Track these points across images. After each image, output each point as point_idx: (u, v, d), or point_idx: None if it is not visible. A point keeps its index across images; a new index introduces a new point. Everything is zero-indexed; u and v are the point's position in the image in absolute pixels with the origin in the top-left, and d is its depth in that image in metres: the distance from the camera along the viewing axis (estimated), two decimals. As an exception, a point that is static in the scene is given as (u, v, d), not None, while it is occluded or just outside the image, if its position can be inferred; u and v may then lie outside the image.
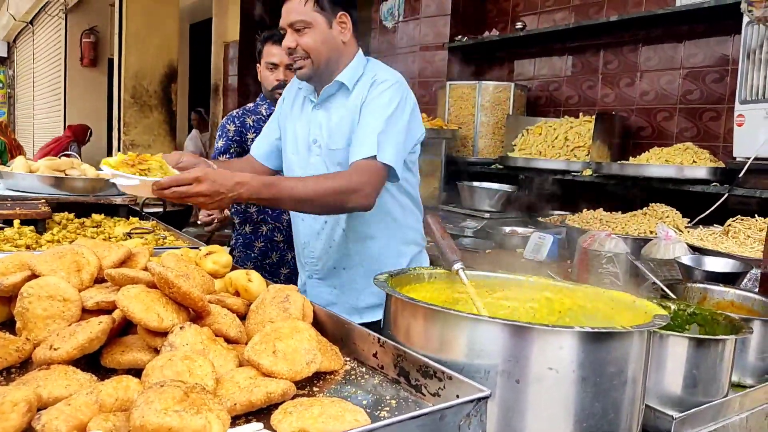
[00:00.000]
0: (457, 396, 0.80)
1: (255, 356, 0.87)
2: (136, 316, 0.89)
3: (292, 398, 0.83)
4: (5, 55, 15.15)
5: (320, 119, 1.76)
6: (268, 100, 2.57)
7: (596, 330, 0.83)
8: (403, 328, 0.97)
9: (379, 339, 0.97)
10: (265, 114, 2.55)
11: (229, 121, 2.54)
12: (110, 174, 1.38)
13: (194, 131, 8.14)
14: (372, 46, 4.38)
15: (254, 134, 2.48)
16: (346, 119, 1.70)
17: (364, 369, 0.98)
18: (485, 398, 0.76)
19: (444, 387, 0.84)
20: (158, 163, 1.47)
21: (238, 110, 2.62)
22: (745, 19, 2.23)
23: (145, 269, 1.09)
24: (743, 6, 1.39)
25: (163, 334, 0.92)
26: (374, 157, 1.57)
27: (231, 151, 2.48)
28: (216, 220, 2.48)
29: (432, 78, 3.90)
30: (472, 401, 0.75)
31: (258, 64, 2.56)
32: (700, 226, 2.30)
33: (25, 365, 0.93)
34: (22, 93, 14.04)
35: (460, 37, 3.73)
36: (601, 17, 3.11)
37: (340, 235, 1.77)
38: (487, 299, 1.24)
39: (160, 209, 3.69)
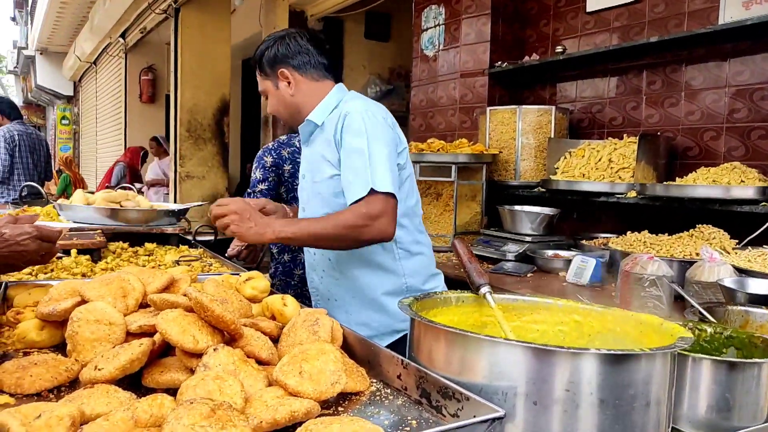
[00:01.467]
0: (474, 416, 0.82)
1: (282, 377, 0.92)
2: (173, 338, 0.95)
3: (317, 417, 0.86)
4: (71, 94, 16.08)
5: (307, 156, 1.88)
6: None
7: (612, 352, 0.84)
8: (426, 350, 0.99)
9: (402, 361, 1.00)
10: (298, 146, 2.65)
11: (266, 154, 2.66)
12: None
13: (154, 159, 8.29)
14: (414, 74, 4.46)
15: (290, 165, 2.58)
16: (323, 153, 1.76)
17: (389, 390, 1.01)
18: (500, 419, 0.78)
19: (462, 408, 0.86)
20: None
21: (273, 143, 2.74)
22: (790, 35, 2.18)
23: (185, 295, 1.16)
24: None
25: (199, 355, 0.98)
26: (372, 190, 1.58)
27: (269, 180, 2.59)
28: (243, 252, 2.56)
29: (473, 104, 3.94)
30: (486, 421, 0.77)
31: None
32: (749, 248, 2.23)
33: (73, 384, 1.00)
34: (86, 129, 14.83)
35: (500, 63, 3.76)
36: (642, 38, 3.08)
37: (329, 266, 1.83)
38: (516, 323, 1.25)
39: (211, 237, 3.83)
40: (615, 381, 0.84)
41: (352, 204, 1.61)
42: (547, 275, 2.66)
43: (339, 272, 1.80)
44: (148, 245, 2.29)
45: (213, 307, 0.98)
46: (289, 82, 1.80)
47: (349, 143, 1.66)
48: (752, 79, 2.79)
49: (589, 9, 3.49)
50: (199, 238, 3.15)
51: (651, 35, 3.09)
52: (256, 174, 2.65)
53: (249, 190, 2.67)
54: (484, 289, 1.21)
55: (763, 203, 2.34)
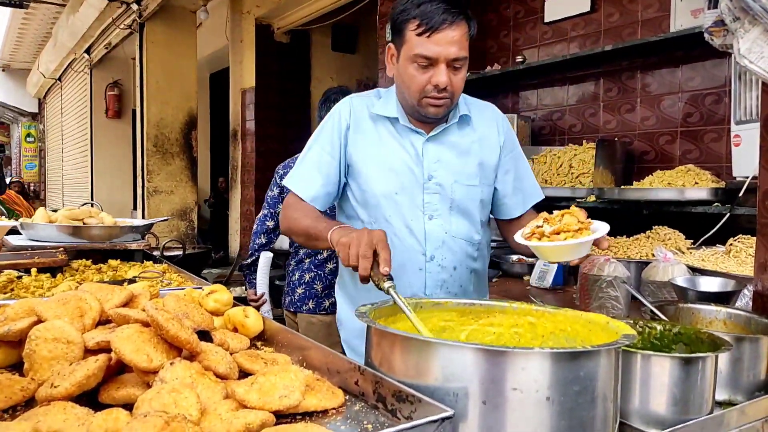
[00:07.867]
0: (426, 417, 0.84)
1: (234, 384, 0.93)
2: (126, 356, 0.96)
3: (274, 426, 0.88)
4: (36, 110, 15.80)
5: (437, 154, 1.58)
6: None
7: (555, 351, 0.87)
8: (383, 356, 1.02)
9: (359, 367, 1.02)
10: None
11: (287, 171, 2.70)
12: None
13: None
14: (380, 86, 4.49)
15: None
16: (481, 155, 1.63)
17: (347, 396, 1.03)
18: (448, 419, 0.81)
19: (416, 410, 0.88)
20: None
21: (291, 159, 2.77)
22: (734, 42, 2.27)
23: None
24: (706, 36, 1.44)
25: (156, 371, 0.98)
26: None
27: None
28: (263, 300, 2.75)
29: (438, 113, 3.99)
30: (435, 421, 0.80)
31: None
32: (703, 247, 2.31)
33: (30, 404, 1.00)
34: (52, 146, 14.58)
35: (463, 72, 3.82)
36: (598, 47, 3.17)
37: (469, 278, 1.72)
38: (473, 326, 1.28)
39: (180, 252, 3.80)
40: (559, 378, 0.87)
41: (529, 210, 1.74)
42: (512, 279, 2.71)
43: (478, 278, 1.78)
44: (112, 262, 2.27)
45: (168, 327, 0.99)
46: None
47: (516, 146, 1.75)
48: (703, 85, 2.89)
49: (547, 20, 3.58)
50: (167, 253, 3.12)
51: (606, 44, 3.18)
52: (275, 191, 2.73)
53: (270, 210, 2.72)
54: (388, 284, 1.24)
55: (716, 204, 2.43)
